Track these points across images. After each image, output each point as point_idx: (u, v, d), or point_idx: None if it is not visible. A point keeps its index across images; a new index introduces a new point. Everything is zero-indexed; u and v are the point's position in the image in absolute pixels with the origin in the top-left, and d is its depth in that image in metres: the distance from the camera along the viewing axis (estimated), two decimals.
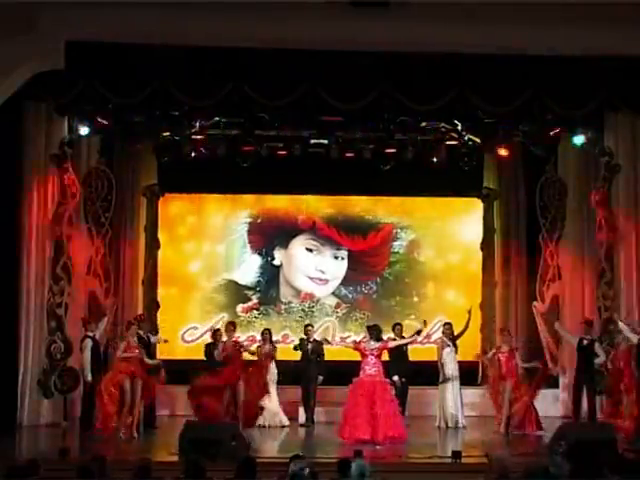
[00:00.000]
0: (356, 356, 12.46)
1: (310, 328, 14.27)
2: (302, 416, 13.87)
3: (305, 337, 14.11)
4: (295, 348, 14.07)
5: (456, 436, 12.98)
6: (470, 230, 16.30)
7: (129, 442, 12.08)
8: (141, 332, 13.18)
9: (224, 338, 13.42)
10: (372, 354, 12.18)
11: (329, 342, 13.68)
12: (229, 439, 10.54)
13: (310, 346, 13.90)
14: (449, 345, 13.72)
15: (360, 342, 12.71)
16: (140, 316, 13.93)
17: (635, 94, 12.68)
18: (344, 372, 13.00)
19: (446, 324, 14.06)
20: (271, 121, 13.88)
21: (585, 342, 13.04)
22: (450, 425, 13.39)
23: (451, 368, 13.61)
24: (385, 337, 12.98)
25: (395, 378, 13.33)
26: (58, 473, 8.34)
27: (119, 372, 12.50)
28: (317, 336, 14.48)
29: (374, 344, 12.29)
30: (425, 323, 13.35)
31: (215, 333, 13.64)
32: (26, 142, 13.34)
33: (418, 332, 13.34)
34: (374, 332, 12.43)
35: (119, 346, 12.75)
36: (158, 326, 15.04)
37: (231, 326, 13.74)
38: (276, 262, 16.29)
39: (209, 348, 13.51)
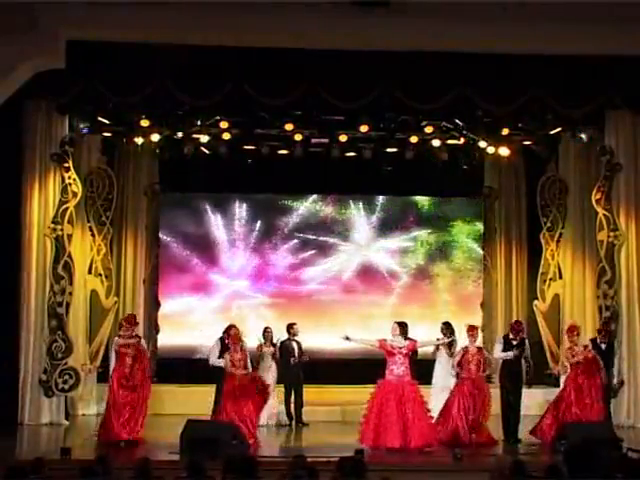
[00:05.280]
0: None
1: (294, 327, 13.67)
2: (283, 415, 13.48)
3: (288, 336, 13.62)
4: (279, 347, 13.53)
5: None
6: (471, 229, 16.30)
7: None
8: None
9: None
10: (400, 353, 11.25)
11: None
12: (229, 438, 10.56)
13: (295, 345, 13.59)
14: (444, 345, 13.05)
15: (384, 339, 11.43)
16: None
17: (635, 94, 12.71)
18: (341, 370, 12.95)
19: (443, 323, 13.39)
20: (272, 120, 13.87)
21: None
22: None
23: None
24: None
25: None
26: (59, 472, 8.33)
27: None
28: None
29: (403, 342, 11.34)
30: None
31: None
32: (27, 141, 13.35)
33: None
34: (404, 329, 11.43)
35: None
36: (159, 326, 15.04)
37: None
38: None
39: None
